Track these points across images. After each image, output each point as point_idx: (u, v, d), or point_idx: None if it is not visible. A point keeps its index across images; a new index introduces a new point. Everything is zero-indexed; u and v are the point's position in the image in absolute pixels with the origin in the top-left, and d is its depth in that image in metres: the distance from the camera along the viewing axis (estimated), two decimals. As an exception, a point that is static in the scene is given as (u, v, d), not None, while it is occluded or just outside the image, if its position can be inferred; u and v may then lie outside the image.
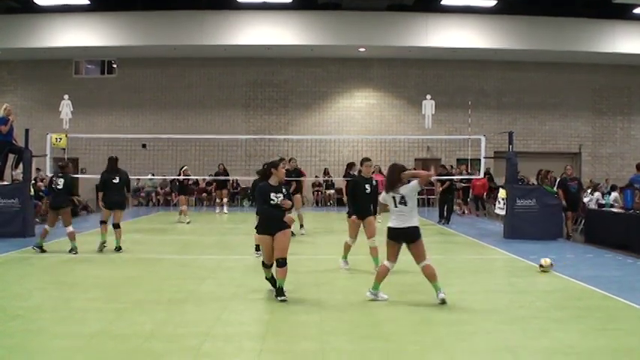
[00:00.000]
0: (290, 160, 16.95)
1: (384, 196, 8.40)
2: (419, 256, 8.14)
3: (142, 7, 27.37)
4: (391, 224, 8.20)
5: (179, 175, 20.36)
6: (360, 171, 10.96)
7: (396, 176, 8.26)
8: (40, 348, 6.17)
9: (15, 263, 11.56)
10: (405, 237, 8.14)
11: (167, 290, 9.01)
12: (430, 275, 8.12)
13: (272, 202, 8.20)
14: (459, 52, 28.46)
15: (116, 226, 13.00)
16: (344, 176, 17.17)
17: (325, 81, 30.77)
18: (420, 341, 6.51)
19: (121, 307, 7.86)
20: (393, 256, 8.24)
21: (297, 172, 16.66)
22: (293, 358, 5.94)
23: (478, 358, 6.02)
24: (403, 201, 8.12)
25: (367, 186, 10.54)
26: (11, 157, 16.55)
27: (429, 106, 22.33)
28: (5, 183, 16.18)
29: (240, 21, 27.36)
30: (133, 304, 8.08)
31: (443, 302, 7.98)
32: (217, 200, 24.89)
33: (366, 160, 10.86)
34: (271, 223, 8.19)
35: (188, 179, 20.59)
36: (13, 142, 16.05)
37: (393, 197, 8.17)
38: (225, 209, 24.14)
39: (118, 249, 12.81)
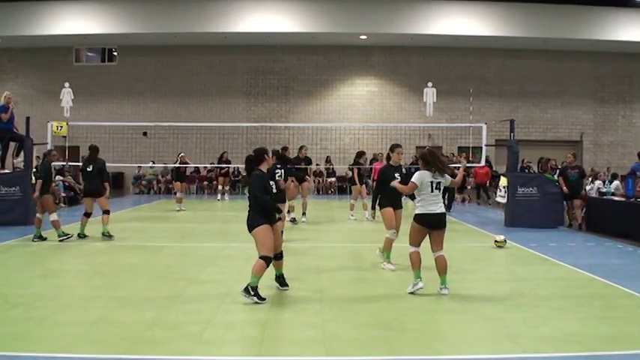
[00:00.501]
0: (302, 148, 17.08)
1: (421, 179, 8.01)
2: (440, 243, 8.13)
3: (142, -6, 27.33)
4: (424, 210, 8.00)
5: (176, 161, 20.43)
6: (389, 158, 10.41)
7: (443, 161, 8.22)
8: (41, 336, 6.18)
9: (16, 251, 11.59)
10: (438, 223, 8.05)
11: (168, 278, 9.03)
12: (442, 267, 8.09)
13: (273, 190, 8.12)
14: (461, 39, 28.38)
15: (104, 212, 13.07)
16: (353, 164, 17.23)
17: (326, 69, 30.72)
18: (421, 329, 6.52)
19: (123, 294, 7.88)
20: (419, 242, 8.16)
21: (309, 160, 16.82)
22: (294, 346, 5.95)
23: (479, 346, 6.03)
24: (439, 187, 8.07)
25: (397, 175, 9.82)
26: (12, 145, 16.55)
27: (430, 93, 22.26)
28: (6, 171, 16.18)
29: (241, 8, 27.29)
30: (134, 291, 8.09)
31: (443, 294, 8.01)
32: (219, 187, 25.06)
33: (396, 146, 10.19)
34: (271, 212, 7.89)
35: (185, 166, 20.61)
36: (14, 130, 16.04)
37: (431, 182, 8.01)
38: (226, 196, 24.59)
39: (106, 236, 12.90)
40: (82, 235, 12.94)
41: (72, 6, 27.66)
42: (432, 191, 8.01)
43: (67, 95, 20.63)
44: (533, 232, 14.60)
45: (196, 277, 9.05)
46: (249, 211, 7.79)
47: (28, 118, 16.68)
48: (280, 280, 8.21)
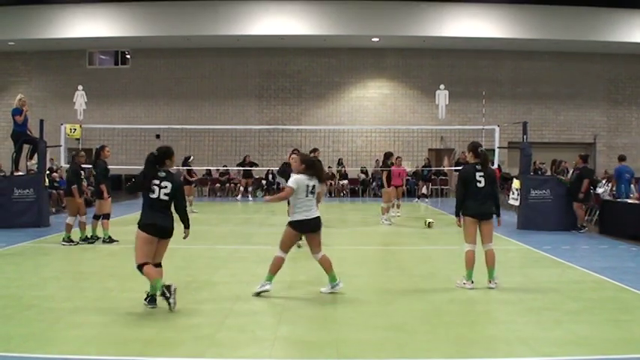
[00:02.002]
0: (315, 151, 17.04)
1: (298, 183, 7.95)
2: (319, 244, 8.17)
3: (155, -3, 27.50)
4: (300, 217, 7.97)
5: (184, 164, 20.50)
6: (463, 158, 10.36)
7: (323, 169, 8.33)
8: (54, 337, 6.23)
9: (30, 253, 11.66)
10: (314, 227, 8.07)
11: (181, 280, 9.04)
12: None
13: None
14: (473, 41, 28.33)
15: (104, 217, 12.98)
16: (381, 166, 17.15)
17: (338, 71, 30.75)
18: (432, 331, 6.51)
19: (135, 296, 7.89)
20: (290, 248, 8.16)
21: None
22: (306, 348, 5.95)
23: (491, 348, 6.01)
24: (313, 191, 8.08)
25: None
26: (26, 147, 16.66)
27: (442, 96, 22.27)
28: (20, 173, 16.30)
29: (254, 11, 27.39)
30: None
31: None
32: (241, 188, 26.19)
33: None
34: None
35: (190, 169, 20.69)
36: (28, 133, 16.15)
37: (307, 186, 8.02)
38: (250, 197, 25.91)
39: (106, 241, 12.80)
40: (93, 238, 12.95)
41: (85, 9, 27.85)
42: (307, 196, 8.02)
43: (80, 98, 20.78)
44: (545, 234, 14.54)
45: (209, 279, 9.08)
46: (169, 214, 7.54)
47: (41, 121, 16.79)
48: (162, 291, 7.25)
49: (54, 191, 19.29)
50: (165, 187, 7.41)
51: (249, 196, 26.24)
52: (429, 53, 30.26)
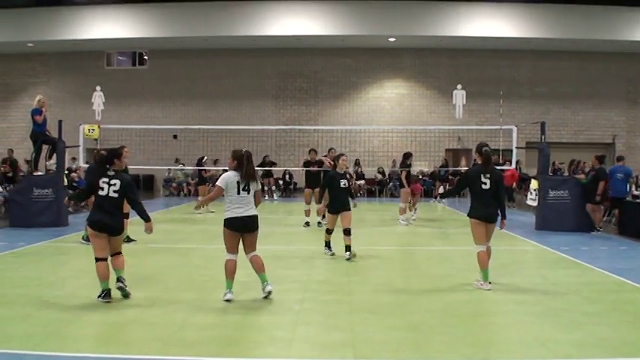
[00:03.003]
0: (330, 151, 17.07)
1: (227, 181, 7.83)
2: (253, 244, 8.06)
3: (172, -2, 27.65)
4: (231, 214, 7.78)
5: (198, 165, 20.65)
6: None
7: (253, 168, 8.04)
8: (73, 335, 6.27)
9: (49, 252, 11.76)
10: (247, 226, 7.86)
11: (198, 280, 9.10)
12: (259, 266, 8.03)
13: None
14: (491, 41, 28.19)
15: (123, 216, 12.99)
16: (401, 166, 17.08)
17: (355, 71, 30.72)
18: (449, 332, 6.48)
19: (153, 296, 7.95)
20: (236, 248, 7.94)
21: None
22: (324, 348, 5.95)
23: (508, 350, 5.97)
24: (247, 189, 7.85)
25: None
26: (45, 147, 16.79)
27: (459, 96, 22.12)
28: (40, 173, 16.43)
29: (270, 12, 27.44)
30: (164, 293, 8.16)
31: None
32: (265, 188, 26.31)
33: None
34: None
35: (206, 170, 20.79)
36: (47, 133, 16.26)
37: (238, 183, 7.82)
38: (275, 196, 26.63)
39: (125, 240, 12.79)
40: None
41: (103, 11, 28.06)
42: (239, 193, 7.78)
43: (98, 98, 20.87)
44: (564, 235, 14.44)
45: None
46: (118, 213, 7.86)
47: (60, 122, 16.91)
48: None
49: (72, 191, 19.40)
50: (114, 184, 7.78)
51: (266, 195, 26.29)
52: (446, 53, 30.15)
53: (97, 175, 7.96)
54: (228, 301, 7.65)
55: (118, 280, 7.75)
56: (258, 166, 25.26)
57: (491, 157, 8.72)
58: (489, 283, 8.44)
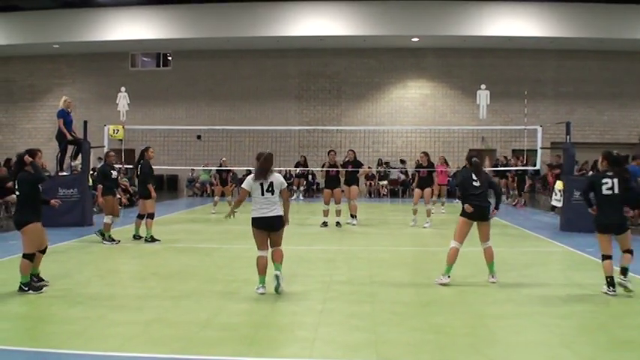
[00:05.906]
0: (348, 151, 17.04)
1: (249, 184, 8.14)
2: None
3: (195, -1, 27.80)
4: (256, 214, 8.06)
5: (219, 165, 20.75)
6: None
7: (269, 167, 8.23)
8: (98, 334, 6.32)
9: (75, 251, 11.88)
10: (272, 225, 8.09)
11: (221, 280, 9.14)
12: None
13: None
14: (515, 40, 27.97)
15: (148, 216, 13.15)
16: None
17: (378, 71, 30.67)
18: (473, 334, 6.44)
19: (177, 295, 8.00)
20: (265, 245, 8.16)
21: (357, 163, 16.56)
22: (346, 349, 5.94)
23: (533, 352, 5.92)
24: (271, 189, 8.07)
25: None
26: (70, 148, 16.97)
27: (483, 96, 21.98)
28: (65, 173, 16.61)
29: (293, 12, 27.49)
30: (187, 292, 8.21)
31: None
32: (294, 188, 26.91)
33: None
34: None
35: (225, 170, 20.85)
36: (72, 133, 16.42)
37: (261, 184, 8.10)
38: (300, 196, 26.94)
39: (148, 240, 12.93)
40: (136, 237, 13.18)
41: (127, 12, 28.30)
42: (263, 194, 8.00)
43: (123, 99, 21.04)
44: (589, 236, 14.22)
45: (249, 279, 9.09)
46: (19, 209, 8.21)
47: (85, 122, 17.09)
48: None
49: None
50: (18, 182, 8.19)
51: (293, 195, 26.41)
52: (470, 53, 29.97)
53: (12, 173, 8.64)
54: (261, 294, 7.94)
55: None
56: (295, 166, 25.56)
57: (480, 166, 9.16)
58: (448, 277, 8.69)
